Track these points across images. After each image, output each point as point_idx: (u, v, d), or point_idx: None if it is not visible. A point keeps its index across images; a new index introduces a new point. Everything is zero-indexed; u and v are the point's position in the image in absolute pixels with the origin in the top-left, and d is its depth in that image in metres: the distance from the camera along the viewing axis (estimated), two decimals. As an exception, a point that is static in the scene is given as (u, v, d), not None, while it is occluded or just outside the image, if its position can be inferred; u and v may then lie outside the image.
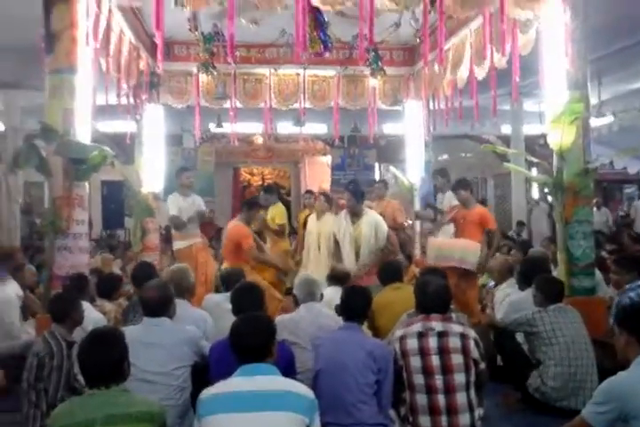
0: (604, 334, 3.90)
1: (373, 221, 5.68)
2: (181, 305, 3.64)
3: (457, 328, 2.99)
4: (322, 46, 6.07)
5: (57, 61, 4.19)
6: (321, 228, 6.42)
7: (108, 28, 5.22)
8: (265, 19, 5.79)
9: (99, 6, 4.67)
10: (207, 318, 3.77)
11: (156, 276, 4.39)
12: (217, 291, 5.36)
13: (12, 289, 4.87)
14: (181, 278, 3.95)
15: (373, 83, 7.92)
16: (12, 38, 6.78)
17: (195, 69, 7.31)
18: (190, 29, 6.24)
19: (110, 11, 5.17)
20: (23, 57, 6.78)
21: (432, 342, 2.93)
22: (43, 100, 4.40)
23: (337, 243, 5.77)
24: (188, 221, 6.37)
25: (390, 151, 12.33)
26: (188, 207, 6.48)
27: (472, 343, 2.95)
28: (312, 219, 6.56)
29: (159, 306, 3.25)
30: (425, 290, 3.11)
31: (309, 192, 8.12)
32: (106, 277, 4.96)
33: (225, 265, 5.75)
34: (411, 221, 8.31)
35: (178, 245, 6.50)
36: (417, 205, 8.22)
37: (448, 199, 6.49)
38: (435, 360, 2.90)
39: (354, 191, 5.76)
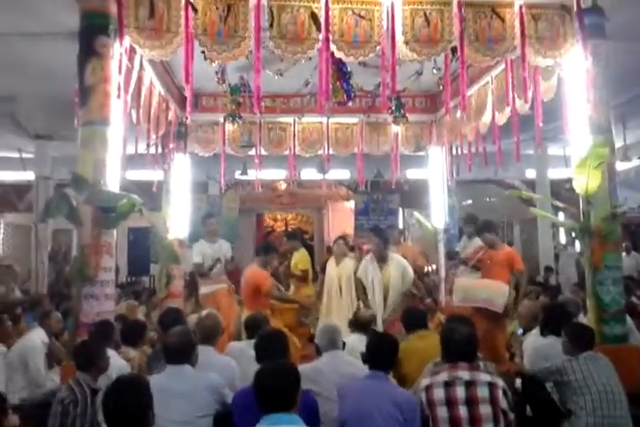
0: (637, 382, 3.77)
1: (400, 265, 5.73)
2: (208, 352, 3.64)
3: (485, 377, 2.92)
4: (345, 96, 6.20)
5: (90, 114, 4.33)
6: (341, 272, 6.40)
7: (139, 82, 5.43)
8: (289, 70, 5.97)
9: (131, 61, 4.87)
10: (234, 365, 3.73)
11: (184, 322, 4.40)
12: (237, 338, 5.33)
13: (38, 336, 4.91)
14: (214, 324, 3.94)
15: (396, 130, 8.03)
16: (45, 92, 7.09)
17: (221, 119, 7.50)
18: (218, 82, 6.44)
19: (141, 65, 5.39)
20: (55, 109, 7.07)
21: (459, 392, 2.86)
22: (73, 151, 4.53)
23: (364, 288, 5.76)
24: (211, 267, 6.41)
25: (414, 196, 12.33)
26: (214, 254, 6.54)
27: (500, 393, 2.88)
28: (331, 264, 6.53)
29: (181, 353, 3.24)
30: (451, 338, 3.06)
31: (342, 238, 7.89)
32: (131, 324, 4.96)
33: (244, 310, 5.72)
34: (435, 266, 8.24)
35: (202, 290, 6.55)
36: (441, 251, 8.17)
37: (474, 245, 6.43)
38: (462, 411, 2.83)
39: (381, 237, 5.82)
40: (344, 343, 3.69)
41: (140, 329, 4.77)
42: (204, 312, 4.19)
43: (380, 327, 5.48)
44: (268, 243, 6.68)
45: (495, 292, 5.33)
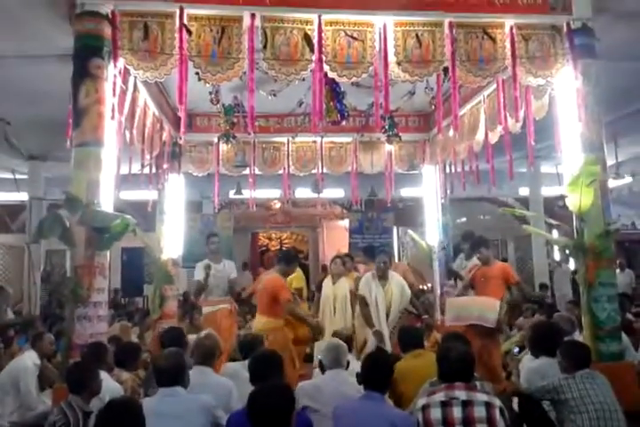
0: (634, 400, 3.74)
1: (399, 283, 5.87)
2: (205, 373, 3.64)
3: (482, 397, 2.89)
4: (338, 115, 6.24)
5: (83, 135, 4.33)
6: (336, 292, 6.39)
7: (133, 103, 5.46)
8: (283, 90, 6.02)
9: (125, 83, 4.90)
10: (231, 386, 3.65)
11: (184, 342, 4.36)
12: (232, 360, 5.26)
13: (30, 358, 4.85)
14: (213, 345, 3.90)
15: (389, 148, 8.08)
16: (38, 113, 7.11)
17: (215, 139, 7.53)
18: (212, 101, 6.48)
19: (135, 86, 5.42)
20: (48, 130, 7.09)
21: (456, 412, 2.83)
22: (66, 171, 4.53)
23: (366, 306, 5.79)
24: (205, 278, 6.33)
25: (408, 215, 12.37)
26: (217, 274, 6.46)
27: (497, 413, 2.85)
28: (327, 283, 6.52)
29: (173, 375, 3.21)
30: (448, 358, 3.04)
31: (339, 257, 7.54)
32: (124, 346, 4.90)
33: (260, 318, 5.56)
34: (430, 285, 8.23)
35: (205, 310, 6.50)
36: (436, 269, 8.16)
37: (474, 264, 6.44)
38: (459, 431, 2.80)
39: (389, 255, 6.04)
40: (348, 362, 3.66)
41: (135, 351, 4.70)
42: (204, 333, 4.14)
43: (387, 346, 5.47)
44: (290, 252, 6.38)
45: (486, 307, 5.36)
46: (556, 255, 12.36)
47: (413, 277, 7.09)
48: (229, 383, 3.67)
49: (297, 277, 7.19)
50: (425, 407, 2.92)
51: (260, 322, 5.49)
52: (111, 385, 3.85)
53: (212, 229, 12.07)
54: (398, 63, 4.68)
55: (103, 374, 3.66)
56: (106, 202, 4.40)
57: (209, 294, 6.41)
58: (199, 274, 6.37)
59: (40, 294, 9.70)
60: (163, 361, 3.27)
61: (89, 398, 3.39)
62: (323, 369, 3.61)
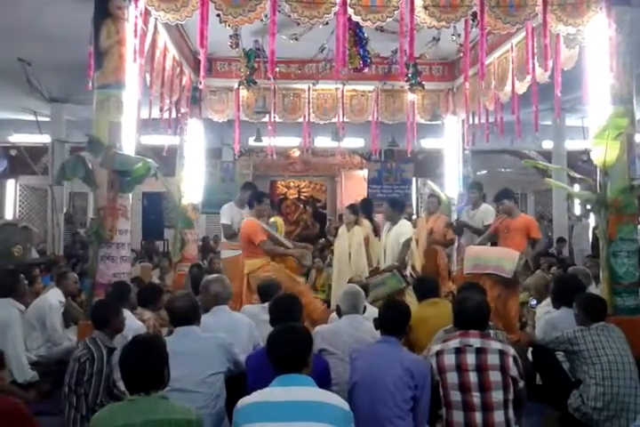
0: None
1: (398, 233, 5.77)
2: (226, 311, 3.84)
3: (496, 345, 2.94)
4: (361, 62, 6.11)
5: (105, 77, 4.33)
6: (352, 238, 6.44)
7: (153, 45, 5.38)
8: (305, 35, 5.88)
9: (145, 24, 4.82)
10: (250, 321, 3.82)
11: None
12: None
13: (55, 296, 5.00)
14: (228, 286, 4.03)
15: (412, 97, 7.94)
16: (59, 55, 7.05)
17: (236, 85, 7.44)
18: (231, 46, 6.36)
19: (156, 28, 5.33)
20: (70, 72, 7.05)
21: (470, 359, 2.89)
22: (88, 114, 4.54)
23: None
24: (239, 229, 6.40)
25: (428, 166, 12.28)
26: (242, 220, 6.52)
27: (511, 361, 2.90)
28: (342, 230, 6.59)
29: (190, 315, 3.31)
30: (463, 306, 3.08)
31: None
32: (147, 286, 5.04)
33: (247, 261, 5.62)
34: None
35: (225, 254, 6.57)
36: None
37: (481, 214, 6.37)
38: (472, 377, 2.86)
39: (391, 202, 6.11)
40: (365, 307, 3.74)
41: (157, 292, 4.83)
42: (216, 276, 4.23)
43: None
44: (259, 192, 6.41)
45: (505, 258, 5.35)
46: (577, 210, 12.27)
47: (452, 234, 6.99)
48: (248, 319, 3.82)
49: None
50: (439, 353, 2.98)
51: (247, 265, 5.58)
52: (134, 324, 3.98)
53: (231, 176, 12.12)
54: (425, 7, 4.51)
55: (126, 313, 3.78)
56: (127, 145, 4.42)
57: (232, 239, 6.48)
58: (225, 219, 6.40)
59: (63, 235, 9.90)
60: (180, 303, 3.36)
61: (113, 335, 3.51)
62: (340, 314, 3.69)
